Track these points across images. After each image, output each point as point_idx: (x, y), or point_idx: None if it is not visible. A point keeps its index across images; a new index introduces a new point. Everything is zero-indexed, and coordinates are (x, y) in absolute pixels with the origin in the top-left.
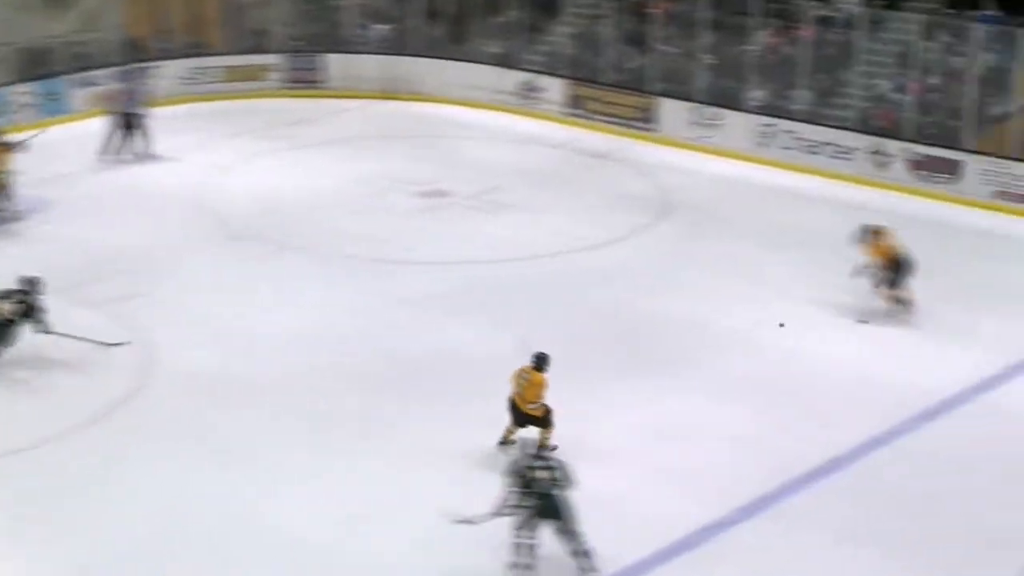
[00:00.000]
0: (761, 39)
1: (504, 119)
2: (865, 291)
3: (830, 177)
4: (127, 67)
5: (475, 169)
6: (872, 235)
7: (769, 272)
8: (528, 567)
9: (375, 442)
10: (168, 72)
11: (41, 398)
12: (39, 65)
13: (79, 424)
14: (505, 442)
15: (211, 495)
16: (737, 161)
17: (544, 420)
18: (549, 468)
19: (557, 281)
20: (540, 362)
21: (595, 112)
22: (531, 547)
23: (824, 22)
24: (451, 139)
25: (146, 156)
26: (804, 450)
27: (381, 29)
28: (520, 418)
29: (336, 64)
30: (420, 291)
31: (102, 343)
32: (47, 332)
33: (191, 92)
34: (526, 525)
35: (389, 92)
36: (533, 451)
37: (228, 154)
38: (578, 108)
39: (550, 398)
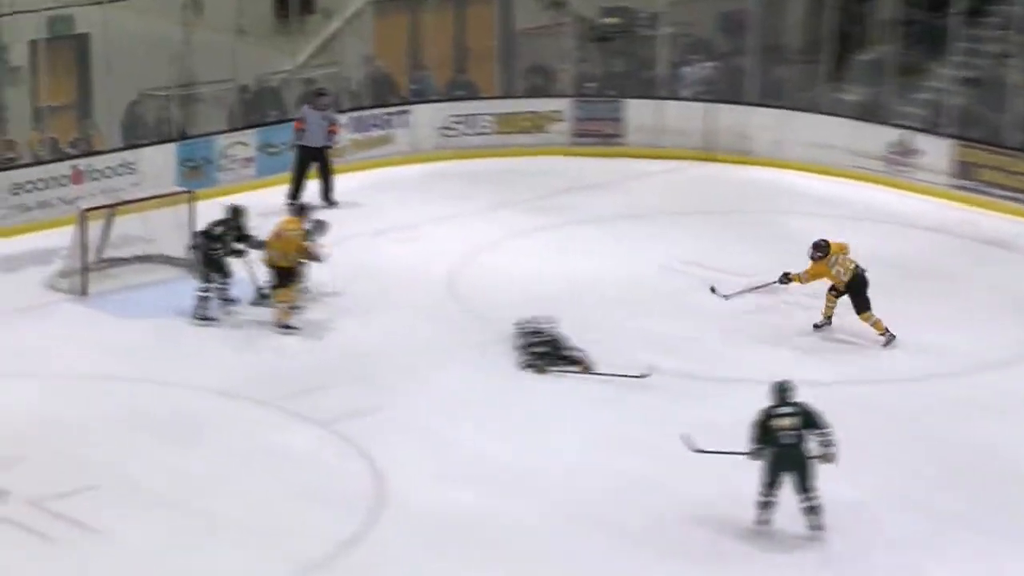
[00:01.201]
0: None
1: (865, 191)
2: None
3: None
4: (321, 93)
5: None
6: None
7: None
8: (766, 522)
9: None
10: (422, 119)
11: (248, 539)
12: (262, 108)
13: (288, 574)
14: None
15: None
16: None
17: None
18: (793, 416)
19: (923, 412)
20: None
21: (993, 185)
22: (771, 503)
23: None
24: (790, 215)
25: (326, 202)
26: None
27: (701, 68)
28: None
29: (639, 113)
30: (731, 418)
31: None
32: None
33: (450, 146)
34: (767, 479)
35: (708, 151)
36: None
37: (492, 228)
38: (969, 179)
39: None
